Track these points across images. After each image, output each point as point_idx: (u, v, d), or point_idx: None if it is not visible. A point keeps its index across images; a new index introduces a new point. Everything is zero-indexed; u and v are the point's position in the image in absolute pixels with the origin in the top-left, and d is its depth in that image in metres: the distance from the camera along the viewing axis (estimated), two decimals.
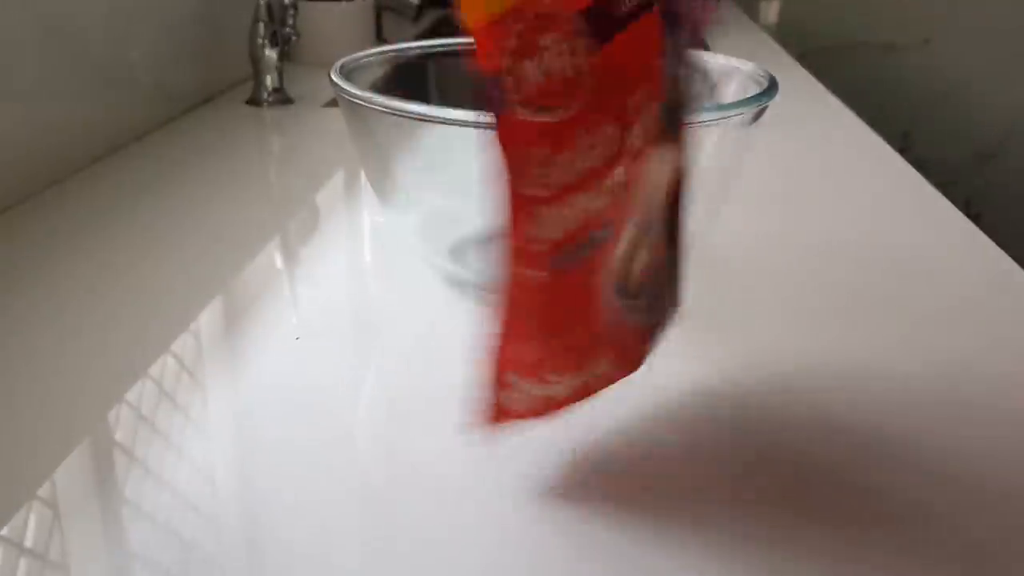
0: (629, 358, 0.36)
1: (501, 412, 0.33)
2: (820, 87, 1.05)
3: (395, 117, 0.45)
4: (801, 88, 1.05)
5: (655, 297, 0.36)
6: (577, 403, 0.35)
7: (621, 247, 0.32)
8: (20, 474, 0.36)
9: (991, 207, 1.45)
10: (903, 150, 0.81)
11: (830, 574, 0.31)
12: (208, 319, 0.49)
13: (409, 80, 0.58)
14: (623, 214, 0.32)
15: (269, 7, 0.92)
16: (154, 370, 0.43)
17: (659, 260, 0.35)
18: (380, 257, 0.60)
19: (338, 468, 0.37)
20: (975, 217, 0.64)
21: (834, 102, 0.98)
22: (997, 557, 0.32)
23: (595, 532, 0.33)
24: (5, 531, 0.33)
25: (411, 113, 0.44)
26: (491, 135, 0.28)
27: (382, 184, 0.51)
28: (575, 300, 0.32)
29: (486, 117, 0.28)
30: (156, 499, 0.35)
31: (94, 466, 0.37)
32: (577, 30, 0.28)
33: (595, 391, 0.35)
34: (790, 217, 0.64)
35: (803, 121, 0.89)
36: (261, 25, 0.92)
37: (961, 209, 0.65)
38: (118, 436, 0.39)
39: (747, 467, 0.37)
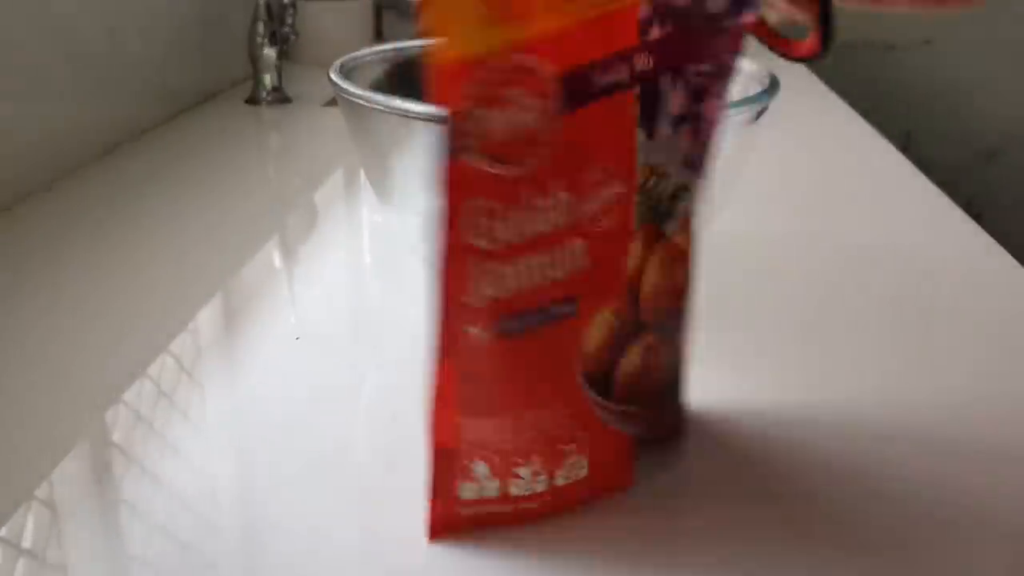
0: (613, 471, 0.34)
1: (458, 508, 0.32)
2: (822, 87, 1.05)
3: (395, 117, 0.45)
4: (803, 88, 1.05)
5: (649, 408, 0.34)
6: (550, 511, 0.33)
7: (594, 334, 0.31)
8: (18, 475, 0.36)
9: (993, 207, 1.45)
10: (905, 150, 0.81)
11: None
12: (207, 319, 0.49)
13: (409, 79, 0.58)
14: (592, 296, 0.31)
15: (268, 6, 0.92)
16: (152, 370, 0.43)
17: (655, 368, 0.33)
18: (380, 257, 0.60)
19: (337, 469, 0.37)
20: (977, 216, 0.64)
21: (836, 102, 0.98)
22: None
23: (603, 542, 0.33)
24: (3, 531, 0.33)
25: (411, 113, 0.44)
26: (439, 178, 0.28)
27: (382, 184, 0.51)
28: (533, 374, 0.31)
29: (438, 160, 0.28)
30: (154, 499, 0.35)
31: (92, 466, 0.37)
32: (549, 91, 0.28)
33: (574, 501, 0.33)
34: (791, 217, 0.64)
35: (805, 121, 0.89)
36: (260, 24, 0.92)
37: (963, 208, 0.65)
38: (116, 436, 0.38)
39: (746, 459, 0.36)
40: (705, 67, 0.31)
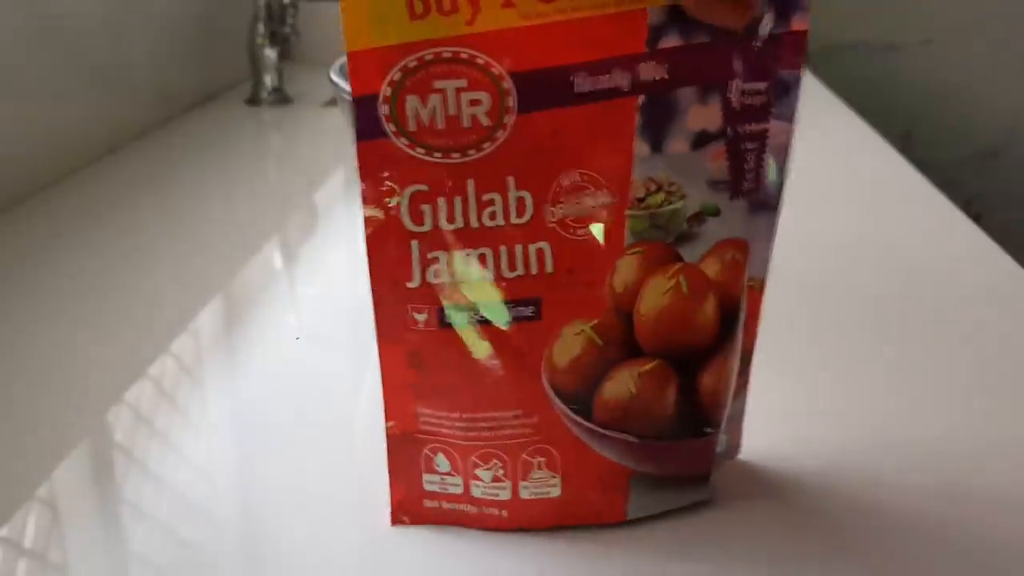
0: (597, 499, 0.32)
1: (422, 498, 0.32)
2: (821, 87, 1.05)
3: None
4: (802, 87, 1.05)
5: (647, 439, 0.31)
6: (518, 524, 0.32)
7: (567, 346, 0.30)
8: (19, 474, 0.36)
9: (992, 207, 1.45)
10: (905, 150, 0.81)
11: None
12: (207, 319, 0.49)
13: None
14: (561, 304, 0.29)
15: (269, 6, 0.92)
16: (153, 370, 0.43)
17: (655, 398, 0.31)
18: None
19: (336, 468, 0.37)
20: (976, 217, 0.64)
21: (835, 102, 0.98)
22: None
23: (605, 546, 0.33)
24: (4, 531, 0.33)
25: None
26: (356, 157, 0.28)
27: None
28: (487, 372, 0.30)
29: (354, 140, 0.28)
30: (155, 499, 0.35)
31: (93, 466, 0.37)
32: (499, 87, 0.27)
33: (547, 519, 0.32)
34: (791, 217, 0.64)
35: (804, 121, 0.89)
36: (261, 24, 0.92)
37: (962, 209, 0.65)
38: (117, 436, 0.39)
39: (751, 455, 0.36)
40: (759, 84, 0.29)
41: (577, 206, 0.29)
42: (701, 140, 0.29)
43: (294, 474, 0.36)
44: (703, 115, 0.29)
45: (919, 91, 1.48)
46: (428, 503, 0.32)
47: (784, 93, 0.30)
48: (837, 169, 0.75)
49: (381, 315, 0.30)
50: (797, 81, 0.30)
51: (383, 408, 0.31)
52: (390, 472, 0.32)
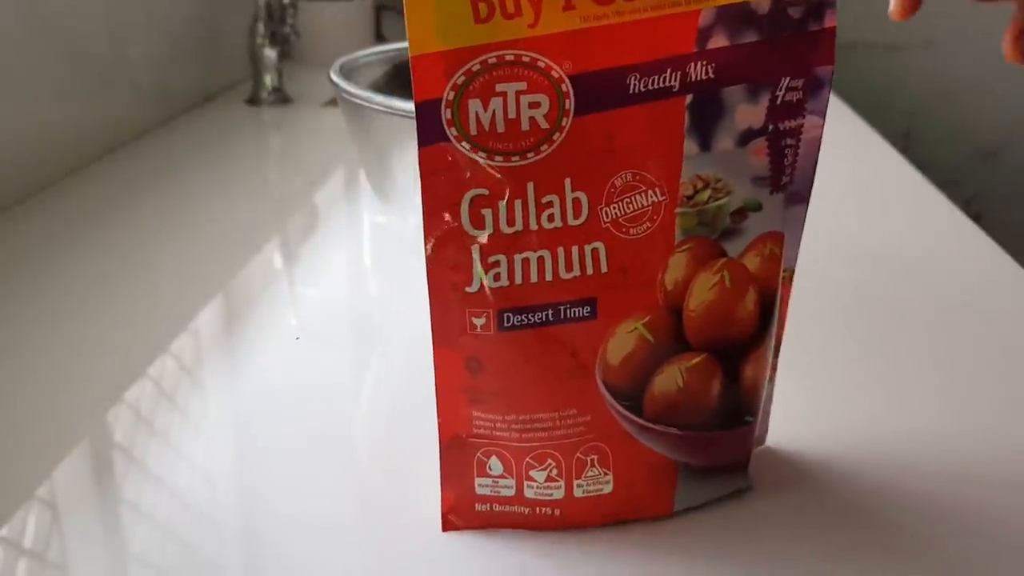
0: (646, 493, 0.32)
1: (473, 503, 0.32)
2: None
3: (395, 117, 0.45)
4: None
5: (702, 431, 0.32)
6: (570, 522, 0.32)
7: (621, 345, 0.30)
8: (19, 474, 0.36)
9: (992, 207, 1.45)
10: (904, 150, 0.81)
11: None
12: (207, 319, 0.49)
13: (409, 79, 0.58)
14: (615, 303, 0.30)
15: (269, 6, 0.92)
16: (153, 370, 0.43)
17: (701, 391, 0.32)
18: (380, 257, 0.60)
19: (336, 468, 0.37)
20: (976, 217, 0.64)
21: (836, 102, 0.98)
22: None
23: (610, 549, 0.33)
24: (4, 531, 0.33)
25: (411, 113, 0.44)
26: (419, 162, 0.28)
27: (382, 184, 0.51)
28: (545, 373, 0.30)
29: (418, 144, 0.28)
30: (155, 499, 0.35)
31: (93, 466, 0.37)
32: (558, 89, 0.28)
33: (598, 517, 0.32)
34: None
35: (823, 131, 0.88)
36: (261, 24, 0.92)
37: (962, 209, 0.65)
38: (117, 436, 0.38)
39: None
40: (798, 81, 0.30)
41: (630, 206, 0.29)
42: (745, 137, 0.30)
43: (294, 474, 0.36)
44: (750, 113, 0.30)
45: (920, 91, 1.48)
46: (479, 507, 0.32)
47: (818, 89, 0.31)
48: (837, 168, 0.75)
49: (438, 320, 0.30)
50: (830, 77, 0.31)
51: (437, 413, 0.31)
52: (442, 478, 0.32)
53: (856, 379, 0.43)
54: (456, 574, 0.31)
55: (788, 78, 0.30)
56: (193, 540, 0.33)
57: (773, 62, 0.30)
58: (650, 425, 0.31)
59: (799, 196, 0.32)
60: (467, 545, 0.32)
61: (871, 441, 0.38)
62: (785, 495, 0.35)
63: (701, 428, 0.32)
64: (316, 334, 0.48)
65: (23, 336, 0.46)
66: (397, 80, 0.56)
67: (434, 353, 0.30)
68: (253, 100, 0.93)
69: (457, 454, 0.31)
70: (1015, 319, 0.49)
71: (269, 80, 0.92)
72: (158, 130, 0.83)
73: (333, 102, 0.91)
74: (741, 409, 0.33)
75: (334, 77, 0.48)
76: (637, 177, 0.29)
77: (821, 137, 0.31)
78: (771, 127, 0.30)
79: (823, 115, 0.31)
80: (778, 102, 0.30)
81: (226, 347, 0.47)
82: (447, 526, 0.32)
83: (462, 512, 0.32)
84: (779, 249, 0.32)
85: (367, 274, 0.58)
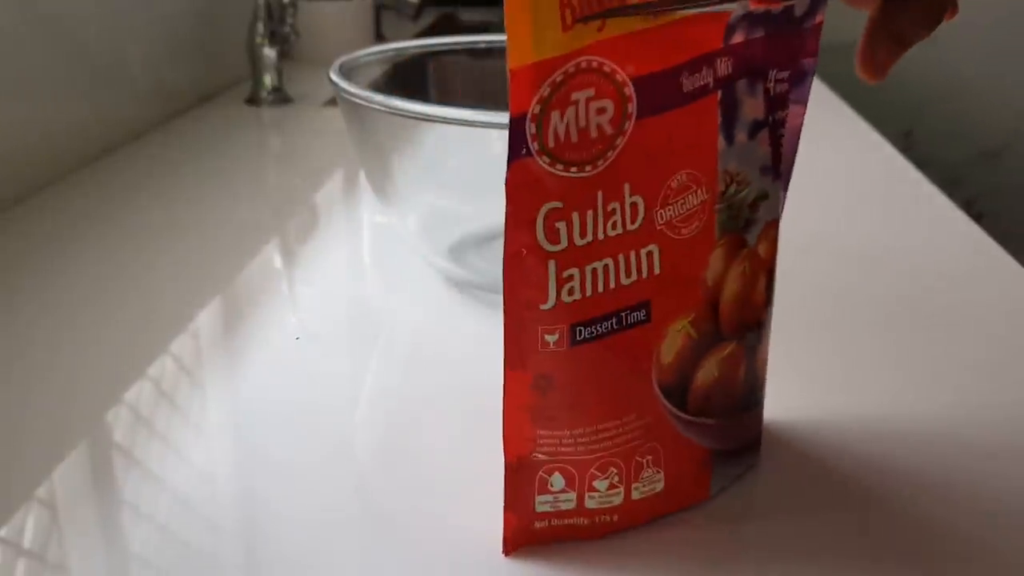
0: (689, 484, 0.33)
1: (533, 521, 0.31)
2: (822, 86, 1.05)
3: (395, 117, 0.45)
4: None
5: (728, 418, 0.33)
6: (627, 524, 0.32)
7: (671, 344, 0.31)
8: (18, 475, 0.36)
9: (993, 207, 1.45)
10: (905, 149, 0.81)
11: None
12: (207, 319, 0.49)
13: (409, 79, 0.58)
14: (667, 303, 0.30)
15: (268, 6, 0.92)
16: (153, 370, 0.43)
17: (732, 379, 0.33)
18: (380, 257, 0.60)
19: (336, 469, 0.36)
20: (977, 217, 0.64)
21: (836, 101, 0.98)
22: None
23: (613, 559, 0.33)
24: (3, 531, 0.33)
25: (411, 113, 0.44)
26: (508, 181, 0.27)
27: (382, 184, 0.51)
28: (609, 383, 0.30)
29: (507, 160, 0.27)
30: (154, 500, 0.35)
31: (92, 467, 0.37)
32: (622, 94, 0.27)
33: (649, 514, 0.32)
34: (790, 217, 0.64)
35: (804, 120, 0.88)
36: (260, 24, 0.92)
37: (963, 209, 0.65)
38: (116, 437, 0.38)
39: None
40: (784, 72, 0.31)
41: (684, 206, 0.29)
42: (754, 129, 0.31)
43: (294, 475, 0.36)
44: (754, 105, 0.31)
45: (920, 90, 1.48)
46: (538, 524, 0.32)
47: (801, 80, 0.32)
48: (838, 168, 0.75)
49: (511, 341, 0.29)
50: (813, 68, 0.32)
51: (502, 436, 0.30)
52: (506, 503, 0.31)
53: (855, 380, 0.43)
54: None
55: (776, 70, 0.31)
56: (193, 540, 0.33)
57: (770, 55, 0.31)
58: (693, 419, 0.32)
59: (787, 182, 0.34)
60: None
61: (871, 442, 0.38)
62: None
63: (731, 414, 0.33)
64: (316, 334, 0.48)
65: (23, 336, 0.46)
66: (397, 80, 0.56)
67: (504, 376, 0.29)
68: (253, 100, 0.93)
69: (521, 476, 0.31)
70: (1016, 319, 0.49)
71: (269, 80, 0.92)
72: (157, 130, 0.83)
73: (333, 102, 0.91)
74: (756, 389, 0.35)
75: (334, 77, 0.48)
76: (690, 177, 0.29)
77: (802, 125, 0.33)
78: (769, 118, 0.31)
79: (805, 104, 0.32)
80: (771, 94, 0.31)
81: (226, 347, 0.46)
82: (508, 549, 0.32)
83: (522, 533, 0.32)
84: (776, 233, 0.33)
85: (367, 274, 0.58)
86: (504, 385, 0.30)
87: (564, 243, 0.28)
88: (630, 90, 0.27)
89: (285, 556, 0.32)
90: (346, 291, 0.54)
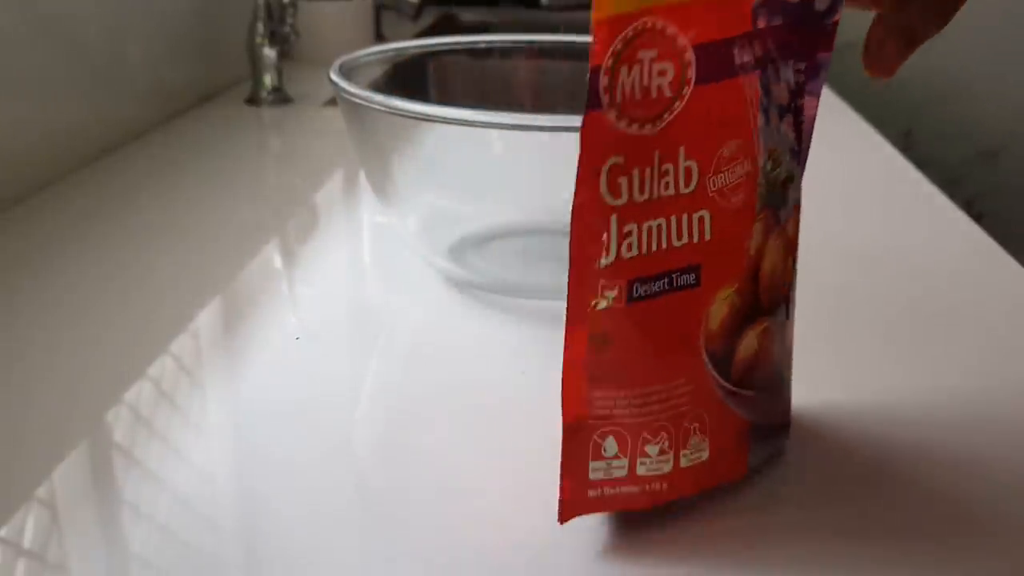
0: (731, 457, 0.34)
1: (586, 489, 0.31)
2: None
3: (395, 117, 0.45)
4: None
5: (764, 392, 0.34)
6: (675, 495, 0.32)
7: (717, 312, 0.31)
8: (18, 475, 0.36)
9: (993, 207, 1.45)
10: (905, 149, 0.81)
11: None
12: (207, 319, 0.49)
13: (409, 79, 0.58)
14: (715, 270, 0.31)
15: (268, 6, 0.92)
16: (153, 371, 0.43)
17: (769, 353, 0.34)
18: (380, 257, 0.60)
19: (336, 469, 0.36)
20: (977, 217, 0.64)
21: (836, 101, 0.98)
22: None
23: (607, 554, 0.33)
24: (3, 531, 0.33)
25: (411, 112, 0.44)
26: (582, 130, 0.28)
27: (382, 184, 0.51)
28: (660, 344, 0.31)
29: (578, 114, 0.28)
30: (155, 500, 0.35)
31: (92, 467, 0.37)
32: (682, 58, 0.28)
33: (694, 486, 0.33)
34: None
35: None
36: (260, 24, 0.92)
37: (963, 209, 0.65)
38: (116, 437, 0.38)
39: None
40: (802, 63, 0.32)
41: (732, 175, 0.30)
42: (783, 112, 0.32)
43: (294, 474, 0.36)
44: (780, 90, 0.32)
45: (920, 90, 1.48)
46: (591, 492, 0.32)
47: (816, 73, 0.33)
48: (837, 168, 0.75)
49: (574, 296, 0.30)
50: (827, 63, 0.33)
51: (563, 398, 0.30)
52: (563, 467, 0.31)
53: (855, 380, 0.43)
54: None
55: (794, 60, 0.32)
56: (193, 540, 0.33)
57: (791, 45, 0.32)
58: (736, 389, 0.33)
59: (802, 170, 0.35)
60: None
61: (872, 440, 0.38)
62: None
63: (768, 388, 0.34)
64: (316, 334, 0.48)
65: (22, 336, 0.46)
66: (397, 80, 0.56)
67: (566, 332, 0.30)
68: (253, 100, 0.93)
69: (578, 439, 0.31)
70: (1016, 319, 0.49)
71: (269, 80, 0.92)
72: (157, 130, 0.83)
73: (333, 102, 0.91)
74: (787, 366, 0.36)
75: (334, 77, 0.48)
76: (739, 147, 0.30)
77: (815, 116, 0.34)
78: (792, 104, 0.32)
79: (818, 97, 0.33)
80: (792, 83, 0.32)
81: (226, 347, 0.46)
82: (564, 517, 0.31)
83: (577, 501, 0.32)
84: (798, 215, 0.35)
85: (367, 274, 0.58)
86: (566, 342, 0.30)
87: (625, 198, 0.29)
88: (690, 55, 0.29)
89: (285, 555, 0.32)
90: (346, 291, 0.54)
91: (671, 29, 0.28)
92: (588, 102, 0.28)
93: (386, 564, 0.32)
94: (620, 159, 0.29)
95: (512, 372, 0.43)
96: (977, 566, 0.32)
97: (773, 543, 0.32)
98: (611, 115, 0.28)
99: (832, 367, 0.44)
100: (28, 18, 0.64)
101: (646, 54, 0.28)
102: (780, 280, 0.34)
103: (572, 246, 0.29)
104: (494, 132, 0.41)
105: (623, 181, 0.29)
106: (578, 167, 0.28)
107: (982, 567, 0.32)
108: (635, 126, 0.28)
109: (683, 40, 0.28)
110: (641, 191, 0.29)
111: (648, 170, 0.29)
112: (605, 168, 0.29)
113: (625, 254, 0.29)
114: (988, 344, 0.47)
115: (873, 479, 0.36)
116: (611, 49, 0.27)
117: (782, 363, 0.35)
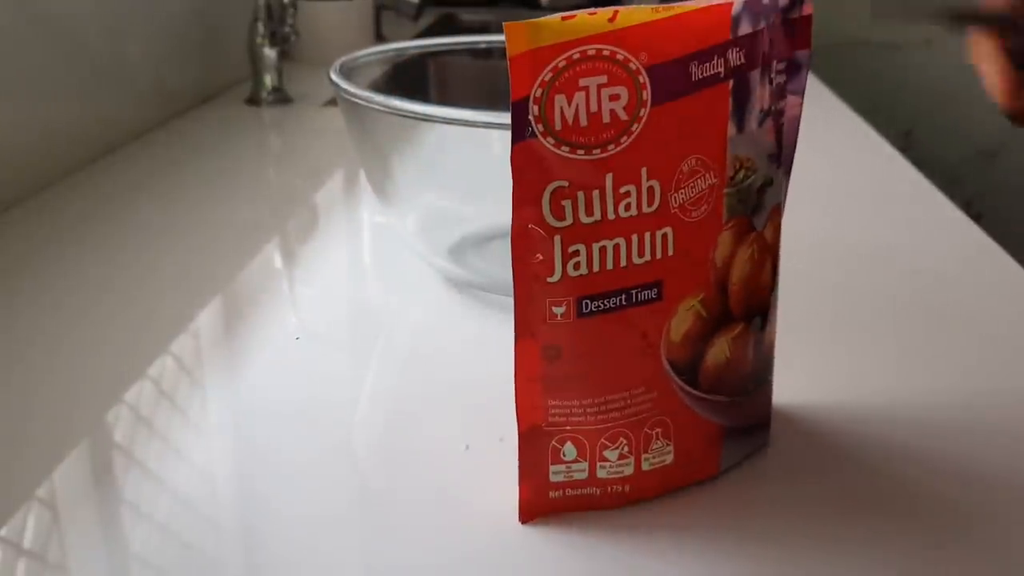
0: (699, 459, 0.34)
1: (548, 491, 0.32)
2: (822, 86, 1.05)
3: (395, 117, 0.45)
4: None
5: (739, 396, 0.34)
6: (637, 496, 0.33)
7: (681, 322, 0.32)
8: (18, 475, 0.36)
9: (993, 207, 1.45)
10: (905, 149, 0.81)
11: None
12: (207, 319, 0.49)
13: (409, 79, 0.58)
14: (678, 283, 0.31)
15: (268, 6, 0.92)
16: (153, 371, 0.43)
17: (742, 358, 0.34)
18: (380, 257, 0.60)
19: (336, 468, 0.37)
20: (977, 217, 0.64)
21: (835, 101, 0.98)
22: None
23: (601, 546, 0.33)
24: (3, 531, 0.33)
25: (411, 113, 0.44)
26: (512, 160, 0.29)
27: (382, 184, 0.51)
28: (617, 355, 0.31)
29: (510, 142, 0.29)
30: (154, 500, 0.35)
31: (93, 467, 0.37)
32: (636, 81, 0.29)
33: (659, 487, 0.34)
34: (789, 217, 0.64)
35: (804, 120, 0.88)
36: (260, 24, 0.92)
37: (962, 209, 0.65)
38: (117, 437, 0.38)
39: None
40: (782, 64, 0.33)
41: (694, 190, 0.31)
42: (763, 117, 0.32)
43: (294, 474, 0.36)
44: (761, 94, 0.32)
45: (920, 90, 1.48)
46: (552, 494, 0.33)
47: (797, 71, 0.34)
48: (837, 168, 0.75)
49: (521, 312, 0.31)
50: (807, 60, 0.34)
51: (515, 406, 0.32)
52: (520, 471, 0.32)
53: (854, 381, 0.43)
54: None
55: (775, 61, 0.33)
56: (193, 540, 0.33)
57: (771, 47, 0.32)
58: (705, 396, 0.33)
59: (788, 169, 0.35)
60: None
61: (871, 438, 0.38)
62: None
63: (742, 393, 0.34)
64: (316, 334, 0.48)
65: (22, 336, 0.46)
66: (397, 80, 0.56)
67: (515, 345, 0.31)
68: (253, 100, 0.93)
69: (534, 445, 0.32)
70: (1016, 319, 0.49)
71: (269, 80, 0.92)
72: (157, 130, 0.83)
73: (333, 102, 0.91)
74: (766, 369, 0.36)
75: (334, 77, 0.48)
76: (699, 162, 0.31)
77: (800, 115, 0.34)
78: (772, 107, 0.33)
79: (802, 95, 0.34)
80: (772, 84, 0.33)
81: (226, 347, 0.46)
82: (526, 519, 0.33)
83: (538, 502, 0.33)
84: (779, 218, 0.35)
85: (367, 274, 0.58)
86: (515, 354, 0.31)
87: (569, 220, 0.30)
88: (644, 78, 0.29)
89: (285, 556, 0.32)
90: (346, 291, 0.54)
91: (621, 54, 0.28)
92: (516, 133, 0.29)
93: (385, 563, 0.32)
94: (563, 183, 0.29)
95: (511, 372, 0.43)
96: (977, 567, 0.32)
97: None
98: (548, 142, 0.29)
99: (832, 366, 0.44)
100: (28, 18, 0.64)
101: (591, 81, 0.28)
102: (755, 286, 0.34)
103: (514, 265, 0.30)
104: (494, 132, 0.41)
105: (567, 204, 0.29)
106: (513, 194, 0.29)
107: (982, 567, 0.32)
108: (581, 152, 0.29)
109: (636, 63, 0.29)
110: (588, 214, 0.30)
111: (596, 192, 0.30)
112: (548, 192, 0.29)
113: (572, 272, 0.30)
114: (987, 343, 0.47)
115: (872, 480, 0.36)
116: (539, 79, 0.28)
117: (760, 367, 0.36)
